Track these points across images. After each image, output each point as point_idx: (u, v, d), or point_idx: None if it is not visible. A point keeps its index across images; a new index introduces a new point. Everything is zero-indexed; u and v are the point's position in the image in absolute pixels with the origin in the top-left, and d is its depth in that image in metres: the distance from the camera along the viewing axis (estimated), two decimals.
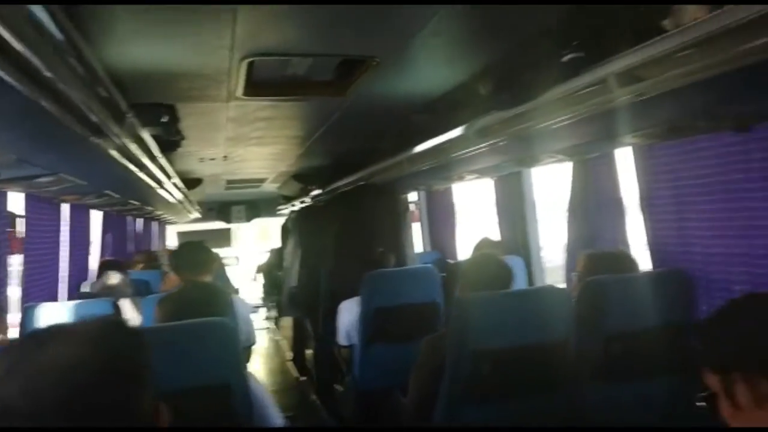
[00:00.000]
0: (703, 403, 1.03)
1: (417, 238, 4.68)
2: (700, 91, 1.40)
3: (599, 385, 1.91)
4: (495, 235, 3.32)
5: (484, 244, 3.05)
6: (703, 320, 1.02)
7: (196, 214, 7.14)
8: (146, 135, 1.95)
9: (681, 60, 1.26)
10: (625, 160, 2.37)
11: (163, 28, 1.62)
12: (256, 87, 2.36)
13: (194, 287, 1.83)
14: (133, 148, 1.85)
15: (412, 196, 4.75)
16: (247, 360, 3.00)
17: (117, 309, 2.72)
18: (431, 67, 2.26)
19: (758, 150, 1.71)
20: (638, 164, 2.21)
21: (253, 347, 3.75)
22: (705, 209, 1.94)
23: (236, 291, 5.23)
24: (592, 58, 1.53)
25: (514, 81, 1.85)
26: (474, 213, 4.38)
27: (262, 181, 6.04)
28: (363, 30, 1.80)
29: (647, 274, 2.04)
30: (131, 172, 2.17)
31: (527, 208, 3.08)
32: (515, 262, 2.97)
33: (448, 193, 4.09)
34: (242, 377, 1.61)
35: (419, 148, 2.71)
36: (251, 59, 1.94)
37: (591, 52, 1.55)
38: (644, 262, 2.26)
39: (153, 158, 2.26)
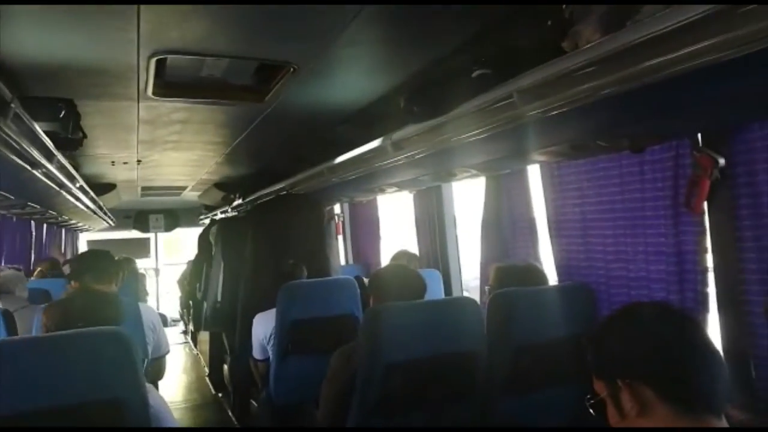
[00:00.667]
0: (591, 411, 1.05)
1: (340, 251, 4.66)
2: (598, 110, 1.46)
3: (509, 394, 1.95)
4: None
5: (401, 256, 3.06)
6: (592, 331, 1.05)
7: (111, 222, 6.77)
8: (39, 130, 1.81)
9: (578, 80, 1.32)
10: (537, 179, 2.46)
11: (61, 19, 1.52)
12: (168, 87, 2.26)
13: (85, 294, 1.70)
14: (24, 143, 1.71)
15: (337, 209, 4.73)
16: (161, 372, 2.86)
17: (7, 319, 2.50)
18: (351, 77, 2.27)
19: (651, 171, 1.81)
20: (545, 182, 2.30)
21: (171, 363, 3.54)
22: (607, 230, 2.03)
23: (145, 300, 4.99)
24: (499, 76, 1.58)
25: (429, 95, 1.87)
26: (399, 226, 4.40)
27: (181, 188, 5.82)
28: (278, 34, 1.77)
29: (553, 287, 2.12)
30: (24, 170, 2.01)
31: (446, 222, 3.12)
32: (432, 275, 3.01)
33: (372, 205, 4.09)
34: (138, 392, 1.49)
35: (340, 159, 2.70)
36: (160, 57, 1.86)
37: (498, 69, 1.60)
38: (554, 277, 2.34)
39: (50, 157, 2.11)
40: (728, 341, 1.65)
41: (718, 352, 0.91)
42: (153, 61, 1.88)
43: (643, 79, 1.22)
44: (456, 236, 3.16)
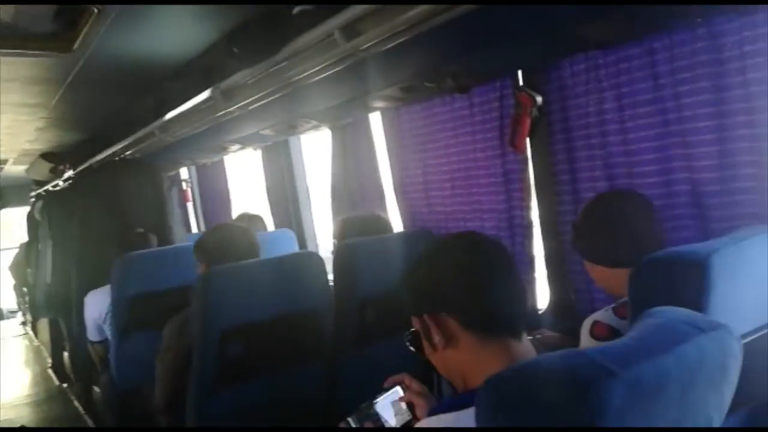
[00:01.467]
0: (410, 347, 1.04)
1: (192, 219, 4.38)
2: (420, 48, 1.44)
3: (356, 348, 1.93)
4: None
5: (242, 218, 2.92)
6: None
7: None
8: None
9: (397, 11, 1.26)
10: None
11: None
12: None
13: None
14: None
15: (185, 174, 4.41)
16: None
17: None
18: (172, 23, 2.04)
19: (480, 113, 1.84)
20: (387, 133, 2.26)
21: (10, 357, 3.12)
22: (444, 174, 2.05)
23: None
24: (322, 12, 1.48)
25: (251, 36, 1.73)
26: (253, 188, 4.21)
27: (2, 162, 5.09)
28: None
29: (396, 234, 2.12)
30: None
31: (297, 180, 3.02)
32: (286, 235, 2.91)
33: (219, 168, 3.85)
34: None
35: (169, 115, 2.46)
36: None
37: (320, 5, 1.50)
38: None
39: None
40: (550, 265, 1.75)
41: (518, 276, 0.92)
42: None
43: (459, 9, 1.19)
44: (309, 194, 3.07)
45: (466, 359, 0.88)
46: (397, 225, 2.34)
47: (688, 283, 0.86)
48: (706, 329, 0.67)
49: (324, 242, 3.20)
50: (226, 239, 1.82)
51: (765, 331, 0.94)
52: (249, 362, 1.74)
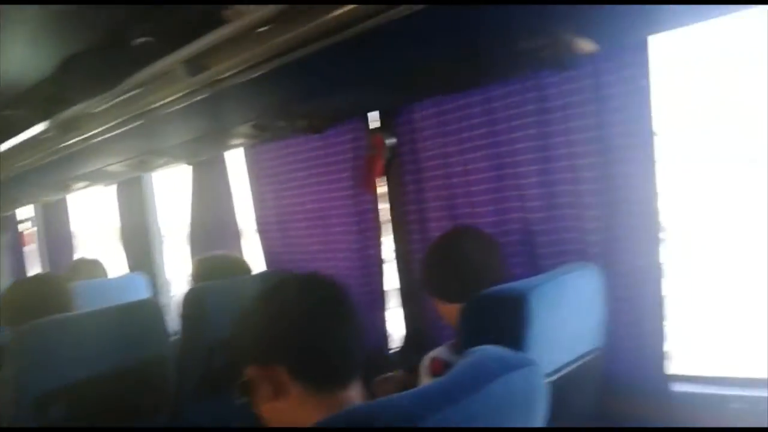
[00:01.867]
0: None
1: (35, 264, 3.92)
2: (272, 86, 1.41)
3: (203, 398, 1.80)
4: None
5: (78, 265, 2.66)
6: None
7: None
8: None
9: (241, 47, 1.23)
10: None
11: None
12: None
13: None
14: None
15: (30, 212, 3.95)
16: None
17: None
18: (7, 51, 1.85)
19: (334, 154, 1.85)
20: (250, 172, 2.19)
21: None
22: (299, 214, 2.02)
23: None
24: (163, 45, 1.41)
25: (90, 70, 1.60)
26: (108, 229, 3.88)
27: None
28: None
29: (250, 277, 2.04)
30: None
31: (149, 219, 2.82)
32: (137, 280, 2.69)
33: (64, 207, 3.50)
34: None
35: (2, 148, 2.20)
36: None
37: (161, 38, 1.43)
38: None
39: None
40: (405, 303, 1.77)
41: (355, 319, 0.90)
42: None
43: (307, 49, 1.18)
44: (161, 234, 2.88)
45: (293, 411, 0.84)
46: (261, 265, 2.26)
47: (509, 319, 0.89)
48: (515, 367, 0.69)
49: (181, 285, 3.00)
50: (27, 298, 1.61)
51: (580, 362, 1.00)
52: (76, 425, 1.54)
